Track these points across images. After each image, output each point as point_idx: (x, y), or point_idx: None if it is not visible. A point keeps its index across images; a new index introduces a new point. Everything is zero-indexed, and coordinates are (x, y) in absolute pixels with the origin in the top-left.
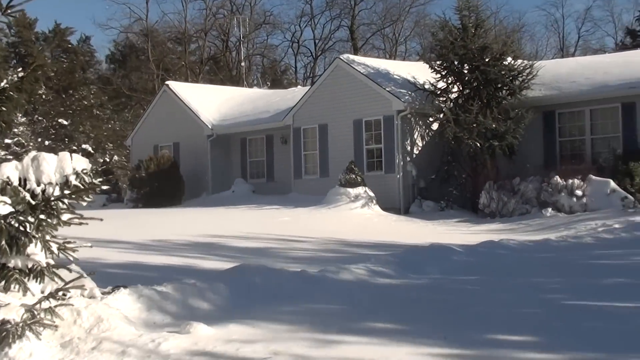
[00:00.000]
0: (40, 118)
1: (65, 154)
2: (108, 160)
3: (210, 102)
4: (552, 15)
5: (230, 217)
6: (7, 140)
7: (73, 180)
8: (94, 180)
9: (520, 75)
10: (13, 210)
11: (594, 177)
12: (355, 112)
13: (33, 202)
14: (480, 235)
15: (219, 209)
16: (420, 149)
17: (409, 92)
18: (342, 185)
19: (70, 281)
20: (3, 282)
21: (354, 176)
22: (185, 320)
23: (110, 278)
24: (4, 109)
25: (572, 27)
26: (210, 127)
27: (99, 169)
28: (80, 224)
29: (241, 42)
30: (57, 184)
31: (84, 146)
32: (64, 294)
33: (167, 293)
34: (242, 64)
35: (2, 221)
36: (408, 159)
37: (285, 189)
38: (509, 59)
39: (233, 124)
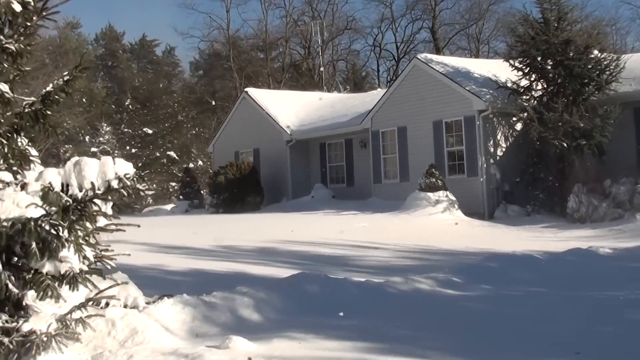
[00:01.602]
0: (126, 129)
1: (107, 159)
2: (193, 166)
3: (289, 108)
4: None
5: (305, 222)
6: (93, 149)
7: (115, 185)
8: (137, 185)
9: (607, 69)
10: (45, 212)
11: None
12: (434, 113)
13: (66, 204)
14: (567, 242)
15: (295, 214)
16: (504, 150)
17: (490, 91)
18: (422, 189)
19: (102, 291)
20: (33, 290)
21: (434, 180)
22: (231, 332)
23: (170, 285)
24: (49, 112)
25: None
26: (289, 132)
27: (181, 172)
28: (118, 229)
29: (320, 48)
30: (98, 189)
31: (169, 153)
32: (106, 303)
33: (214, 303)
34: (322, 69)
35: (33, 224)
36: (491, 161)
37: (365, 194)
38: (595, 52)
39: (311, 128)
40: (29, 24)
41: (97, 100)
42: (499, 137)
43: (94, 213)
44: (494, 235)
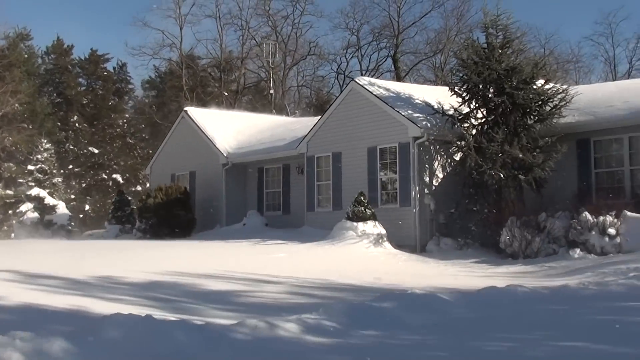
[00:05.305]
0: (71, 147)
1: None
2: (141, 189)
3: (229, 129)
4: (602, 46)
5: (221, 252)
6: (29, 167)
7: None
8: None
9: (551, 101)
10: None
11: (629, 213)
12: (370, 139)
13: None
14: (493, 278)
15: (218, 242)
16: (440, 180)
17: (428, 117)
18: (349, 218)
19: None
20: None
21: (362, 209)
22: None
23: None
24: None
25: (624, 57)
26: (225, 155)
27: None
28: None
29: (271, 70)
30: None
31: (114, 176)
32: None
33: None
34: (272, 91)
35: None
36: (426, 191)
37: (299, 222)
38: (540, 82)
39: (249, 152)
40: None
41: (41, 117)
42: (435, 166)
43: None
44: (415, 270)
